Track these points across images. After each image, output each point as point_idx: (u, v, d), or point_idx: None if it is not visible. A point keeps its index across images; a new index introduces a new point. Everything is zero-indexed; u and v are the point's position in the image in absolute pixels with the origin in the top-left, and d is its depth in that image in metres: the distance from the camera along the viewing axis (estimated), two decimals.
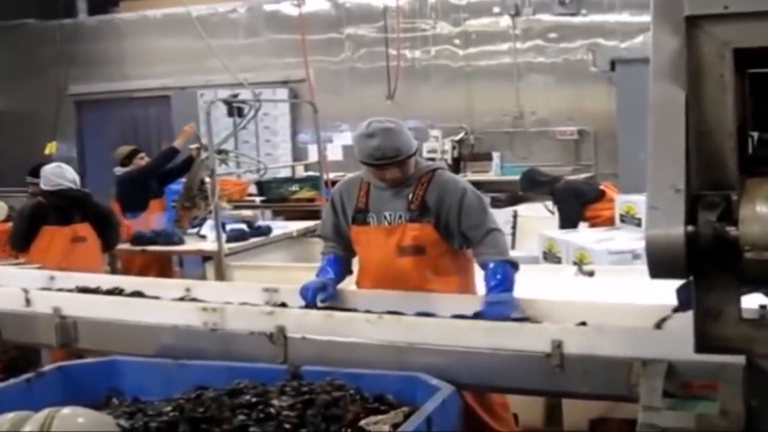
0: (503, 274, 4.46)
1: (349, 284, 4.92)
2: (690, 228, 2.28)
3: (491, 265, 4.50)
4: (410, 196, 4.63)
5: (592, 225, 8.46)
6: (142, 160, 9.49)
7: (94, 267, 7.22)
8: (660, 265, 2.31)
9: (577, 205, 8.72)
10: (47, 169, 7.70)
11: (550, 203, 9.14)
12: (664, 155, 2.33)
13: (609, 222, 8.22)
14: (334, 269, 4.79)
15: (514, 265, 4.56)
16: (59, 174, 7.61)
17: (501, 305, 4.31)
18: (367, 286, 4.78)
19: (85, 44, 15.57)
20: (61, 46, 15.39)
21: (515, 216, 9.44)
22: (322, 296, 4.60)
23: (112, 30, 15.80)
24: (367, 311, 4.30)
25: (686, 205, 2.29)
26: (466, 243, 4.65)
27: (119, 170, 9.55)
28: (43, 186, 7.59)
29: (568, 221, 8.54)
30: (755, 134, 2.78)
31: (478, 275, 4.75)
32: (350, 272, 4.93)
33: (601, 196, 8.78)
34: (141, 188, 9.23)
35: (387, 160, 4.54)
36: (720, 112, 2.34)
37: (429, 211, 4.60)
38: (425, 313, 4.30)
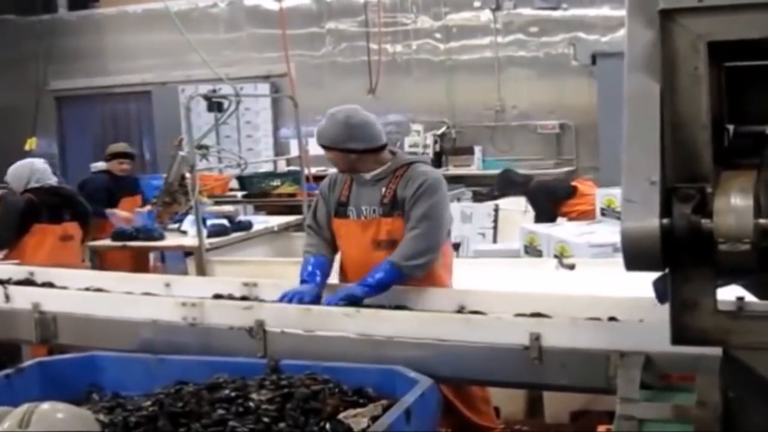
0: (378, 274, 4.45)
1: (332, 277, 4.91)
2: (665, 220, 2.29)
3: (384, 261, 4.49)
4: (383, 190, 4.66)
5: (569, 220, 8.55)
6: (121, 165, 9.36)
7: (76, 266, 7.14)
8: (636, 257, 2.32)
9: (549, 203, 8.88)
10: (37, 165, 7.49)
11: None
12: (639, 148, 2.34)
13: (584, 216, 8.30)
14: (322, 273, 4.73)
15: (400, 271, 4.48)
16: (49, 171, 7.50)
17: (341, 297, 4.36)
18: (348, 280, 4.77)
19: (65, 39, 15.48)
20: (40, 41, 15.28)
21: (496, 210, 9.43)
22: None
23: (92, 25, 15.73)
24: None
25: (661, 198, 2.30)
26: None
27: (95, 166, 9.51)
28: (33, 183, 7.33)
29: (543, 217, 8.66)
30: (731, 127, 2.79)
31: (454, 269, 4.76)
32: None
33: (573, 192, 8.89)
34: (106, 191, 9.15)
35: (321, 143, 4.72)
36: (694, 105, 2.35)
37: (398, 205, 4.62)
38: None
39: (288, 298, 4.48)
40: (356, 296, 4.37)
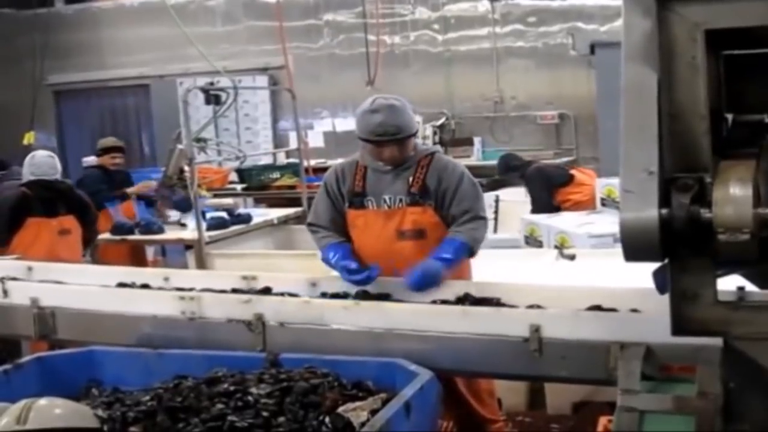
0: (454, 248, 4.47)
1: None
2: (664, 211, 2.28)
3: (454, 238, 4.52)
4: (410, 179, 4.61)
5: (564, 209, 8.52)
6: (114, 160, 9.40)
7: (75, 260, 7.11)
8: (634, 247, 2.31)
9: (544, 188, 8.81)
10: (36, 158, 7.47)
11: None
12: (637, 138, 2.32)
13: (578, 206, 8.27)
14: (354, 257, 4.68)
15: (470, 252, 4.57)
16: (51, 164, 7.43)
17: (427, 273, 4.35)
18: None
19: (63, 34, 15.45)
20: (37, 35, 15.25)
21: (497, 200, 9.43)
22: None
23: (88, 19, 15.70)
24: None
25: (660, 188, 2.29)
26: (452, 223, 4.63)
27: (87, 161, 9.54)
28: (30, 176, 7.33)
29: (539, 205, 8.63)
30: (730, 116, 2.78)
31: (474, 259, 4.75)
32: None
33: (569, 180, 8.84)
34: (104, 185, 9.19)
35: (388, 137, 4.52)
36: (692, 95, 2.33)
37: (429, 194, 4.59)
38: None
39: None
40: (437, 270, 4.37)
